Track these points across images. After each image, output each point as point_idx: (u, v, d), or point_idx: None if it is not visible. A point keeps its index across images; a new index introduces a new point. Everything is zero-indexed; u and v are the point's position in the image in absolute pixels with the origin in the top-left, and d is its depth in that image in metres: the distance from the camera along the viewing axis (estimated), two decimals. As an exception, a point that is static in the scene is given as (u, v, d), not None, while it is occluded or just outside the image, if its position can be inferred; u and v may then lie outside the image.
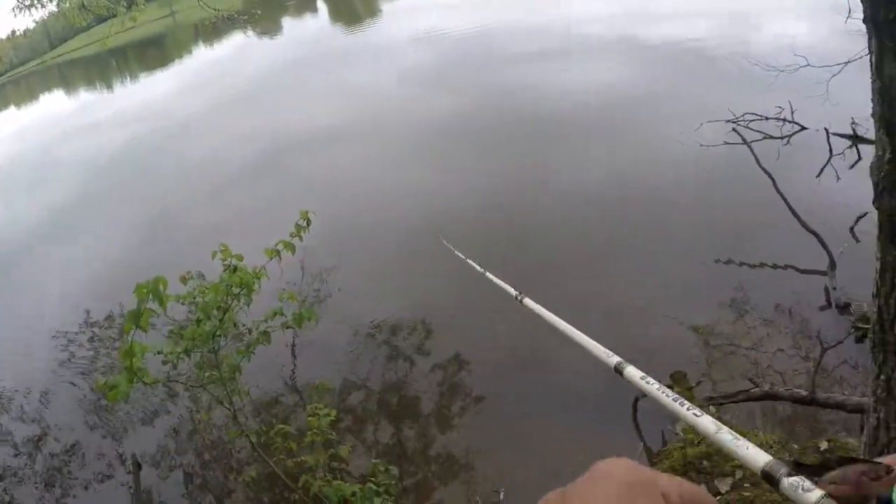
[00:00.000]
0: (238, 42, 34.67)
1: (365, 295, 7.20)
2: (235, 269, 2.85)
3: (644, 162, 9.14)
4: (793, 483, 1.05)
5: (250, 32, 33.31)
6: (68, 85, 37.63)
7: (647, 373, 1.12)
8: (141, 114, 21.08)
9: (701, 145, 8.17)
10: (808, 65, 7.63)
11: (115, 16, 8.92)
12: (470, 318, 6.45)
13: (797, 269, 5.88)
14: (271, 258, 2.93)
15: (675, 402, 1.52)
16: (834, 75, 7.36)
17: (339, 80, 18.70)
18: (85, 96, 31.43)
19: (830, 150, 7.56)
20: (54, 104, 31.47)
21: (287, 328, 3.05)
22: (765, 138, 7.84)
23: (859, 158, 7.48)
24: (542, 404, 5.20)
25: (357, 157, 11.79)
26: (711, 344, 5.49)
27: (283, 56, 25.62)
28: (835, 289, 5.42)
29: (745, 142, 7.22)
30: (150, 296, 2.47)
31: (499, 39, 20.36)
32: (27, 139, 22.23)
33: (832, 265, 5.53)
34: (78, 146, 18.32)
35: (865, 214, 6.02)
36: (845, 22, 7.61)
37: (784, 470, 1.06)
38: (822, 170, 7.49)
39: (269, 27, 32.60)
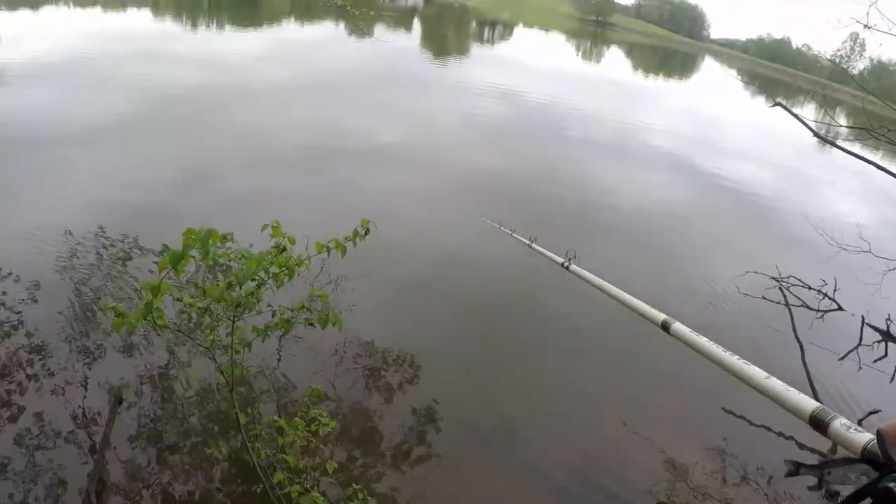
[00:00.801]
0: (327, 30, 35.22)
1: (369, 314, 7.14)
2: (284, 249, 2.81)
3: (678, 287, 9.13)
4: (843, 424, 1.02)
5: (341, 25, 33.87)
6: (158, 8, 38.06)
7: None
8: (214, 63, 21.29)
9: (739, 290, 8.17)
10: (870, 252, 7.65)
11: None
12: (457, 375, 6.42)
13: (798, 443, 5.80)
14: (318, 252, 2.89)
15: (725, 352, 1.52)
16: (890, 270, 7.38)
17: (411, 106, 18.95)
18: (169, 25, 31.74)
19: (860, 339, 7.54)
20: (139, 21, 31.78)
21: (309, 325, 2.99)
22: (801, 305, 7.81)
23: (885, 355, 7.45)
24: (513, 473, 5.15)
25: (401, 183, 11.85)
26: (683, 484, 5.42)
27: (365, 61, 25.97)
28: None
29: (786, 304, 7.19)
30: (197, 244, 2.43)
31: (568, 118, 20.69)
32: (102, 44, 22.38)
33: (834, 450, 5.44)
34: (147, 69, 18.47)
35: (878, 412, 5.96)
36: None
37: (833, 414, 1.05)
38: (846, 354, 7.47)
39: (361, 28, 33.18)
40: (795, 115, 7.02)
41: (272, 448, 3.43)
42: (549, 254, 3.44)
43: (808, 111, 28.41)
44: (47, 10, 30.80)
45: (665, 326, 1.79)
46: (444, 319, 7.49)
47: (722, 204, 14.24)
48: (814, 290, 7.91)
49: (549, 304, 8.12)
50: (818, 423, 1.04)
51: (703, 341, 1.59)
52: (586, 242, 10.33)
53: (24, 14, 28.92)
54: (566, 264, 2.93)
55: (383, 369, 6.24)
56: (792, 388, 1.03)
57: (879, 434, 0.89)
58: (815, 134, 6.75)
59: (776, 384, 1.13)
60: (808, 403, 1.06)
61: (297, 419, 3.15)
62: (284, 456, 3.11)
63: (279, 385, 5.68)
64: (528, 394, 6.36)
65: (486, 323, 7.57)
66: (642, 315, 1.93)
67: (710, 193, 14.92)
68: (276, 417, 3.25)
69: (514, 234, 5.00)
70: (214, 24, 35.06)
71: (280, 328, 2.96)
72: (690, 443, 5.89)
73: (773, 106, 7.38)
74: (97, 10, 34.28)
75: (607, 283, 2.28)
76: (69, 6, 34.28)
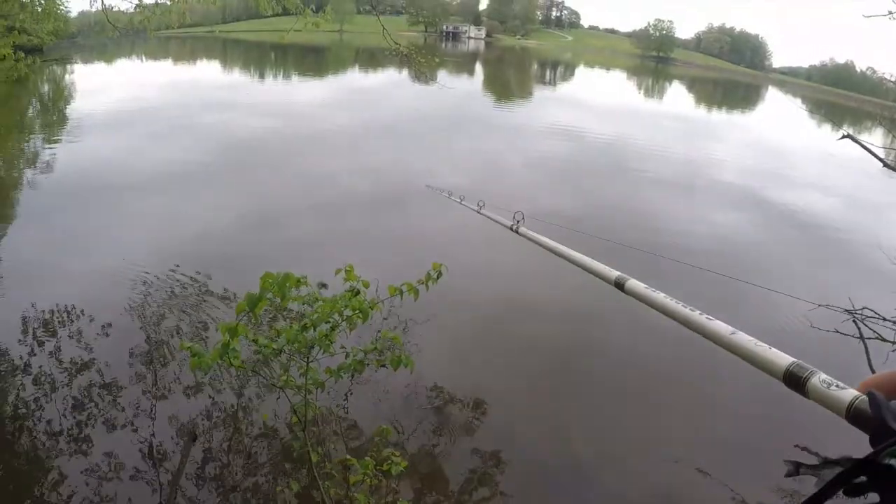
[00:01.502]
0: (391, 78, 35.87)
1: (431, 355, 7.15)
2: (357, 292, 2.87)
3: (747, 320, 8.94)
4: (824, 381, 0.92)
5: (404, 72, 34.49)
6: (226, 60, 39.47)
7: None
8: (282, 111, 21.90)
9: (812, 326, 7.95)
10: (947, 282, 7.37)
11: (297, 13, 9.38)
12: (522, 415, 6.38)
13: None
14: (391, 296, 2.95)
15: (685, 308, 1.44)
16: (968, 299, 7.12)
17: (474, 148, 19.10)
18: (237, 76, 32.88)
19: (941, 371, 7.23)
20: (208, 72, 32.99)
21: (381, 366, 3.04)
22: (876, 338, 7.55)
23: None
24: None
25: (466, 224, 11.90)
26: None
27: (430, 107, 26.33)
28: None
29: (861, 337, 6.95)
30: (274, 288, 2.51)
31: (632, 156, 20.59)
32: (175, 95, 23.32)
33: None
34: (218, 118, 19.12)
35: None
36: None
37: (811, 369, 0.94)
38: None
39: (425, 74, 33.65)
40: (864, 146, 6.86)
41: (341, 487, 3.46)
42: (497, 217, 3.35)
43: (876, 136, 27.64)
44: (121, 64, 32.27)
45: (619, 284, 1.74)
46: (508, 359, 7.45)
47: (791, 237, 13.91)
48: (889, 321, 7.64)
49: (613, 341, 8.03)
50: (795, 381, 0.97)
51: (660, 297, 1.53)
52: (659, 280, 10.19)
53: (99, 67, 30.34)
54: (514, 227, 2.87)
55: (449, 409, 6.23)
56: (762, 343, 0.98)
57: (872, 396, 0.80)
58: (885, 164, 6.58)
59: (743, 339, 1.07)
60: (782, 359, 0.99)
61: (366, 458, 3.18)
62: (355, 494, 3.14)
63: (347, 424, 5.73)
64: (596, 433, 6.27)
65: (550, 362, 7.51)
66: (595, 274, 1.88)
67: (779, 227, 14.59)
68: (347, 456, 3.28)
69: (460, 201, 4.91)
70: (282, 74, 36.12)
71: (354, 369, 3.01)
72: (769, 484, 5.72)
73: (842, 138, 7.23)
74: (168, 62, 35.74)
75: (557, 244, 2.25)
76: (142, 59, 35.81)
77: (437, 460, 5.54)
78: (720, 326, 1.30)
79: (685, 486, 5.59)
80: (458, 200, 4.81)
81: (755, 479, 5.66)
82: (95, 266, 8.57)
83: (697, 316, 1.39)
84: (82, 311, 7.27)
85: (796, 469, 0.76)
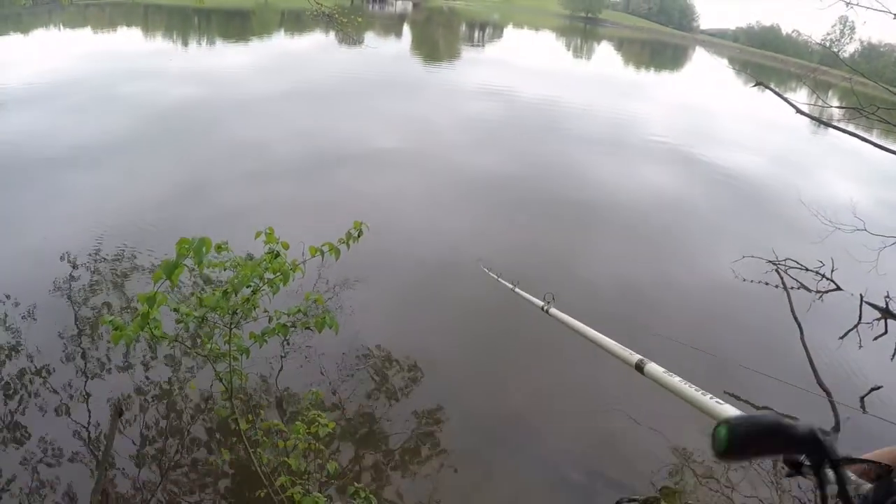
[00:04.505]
0: (317, 40, 35.28)
1: (369, 319, 7.15)
2: (277, 255, 2.83)
3: (676, 274, 9.16)
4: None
5: (331, 35, 33.91)
6: (148, 27, 38.19)
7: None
8: (207, 78, 21.35)
9: (735, 276, 8.20)
10: (865, 230, 7.64)
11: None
12: (459, 376, 6.45)
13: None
14: (312, 256, 2.91)
15: (697, 391, 1.50)
16: (886, 246, 7.41)
17: (403, 111, 18.95)
18: (160, 43, 31.85)
19: (860, 317, 7.58)
20: (130, 40, 31.88)
21: (306, 328, 3.01)
22: (800, 287, 7.84)
23: (885, 332, 7.50)
24: (524, 471, 5.18)
25: (400, 186, 11.89)
26: (688, 466, 5.46)
27: (357, 69, 25.97)
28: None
29: (784, 286, 7.21)
30: (191, 253, 2.45)
31: (562, 116, 20.74)
32: (95, 64, 22.44)
33: (836, 428, 5.42)
34: (140, 87, 18.52)
35: (880, 388, 6.00)
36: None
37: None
38: (846, 333, 7.52)
39: (351, 36, 33.08)
40: (777, 93, 7.13)
41: (275, 453, 3.45)
42: (530, 297, 3.40)
43: (801, 95, 28.45)
44: (37, 34, 30.99)
45: (639, 367, 1.80)
46: (444, 321, 7.50)
47: (717, 192, 14.28)
48: (811, 271, 7.93)
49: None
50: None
51: (676, 381, 1.59)
52: (585, 239, 10.37)
53: (13, 38, 29.08)
54: (545, 308, 2.91)
55: (385, 372, 6.27)
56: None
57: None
58: (798, 111, 6.84)
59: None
60: None
61: (297, 423, 3.17)
62: (286, 459, 3.13)
63: (282, 393, 5.71)
64: (533, 391, 6.36)
65: (486, 322, 7.57)
66: (616, 356, 1.94)
67: (705, 182, 14.96)
68: (275, 421, 3.27)
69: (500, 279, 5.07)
70: (206, 40, 35.14)
71: (277, 333, 2.98)
72: (695, 430, 5.89)
73: (755, 86, 7.47)
74: (88, 31, 34.45)
75: (584, 326, 2.29)
76: (59, 29, 34.43)
77: (375, 421, 5.59)
78: (729, 410, 1.35)
79: (627, 442, 5.73)
80: (496, 277, 4.72)
81: (690, 428, 5.82)
82: (15, 247, 8.24)
83: (708, 400, 1.43)
84: (7, 296, 6.98)
85: (797, 469, 0.77)
